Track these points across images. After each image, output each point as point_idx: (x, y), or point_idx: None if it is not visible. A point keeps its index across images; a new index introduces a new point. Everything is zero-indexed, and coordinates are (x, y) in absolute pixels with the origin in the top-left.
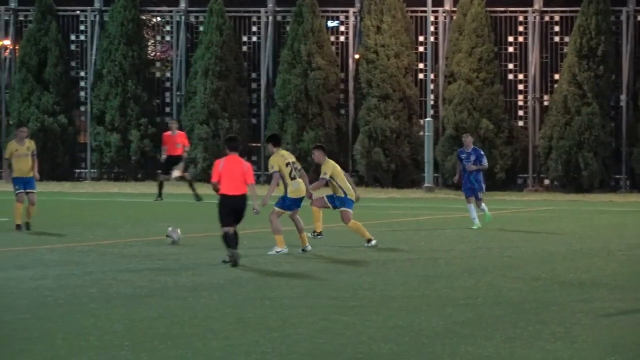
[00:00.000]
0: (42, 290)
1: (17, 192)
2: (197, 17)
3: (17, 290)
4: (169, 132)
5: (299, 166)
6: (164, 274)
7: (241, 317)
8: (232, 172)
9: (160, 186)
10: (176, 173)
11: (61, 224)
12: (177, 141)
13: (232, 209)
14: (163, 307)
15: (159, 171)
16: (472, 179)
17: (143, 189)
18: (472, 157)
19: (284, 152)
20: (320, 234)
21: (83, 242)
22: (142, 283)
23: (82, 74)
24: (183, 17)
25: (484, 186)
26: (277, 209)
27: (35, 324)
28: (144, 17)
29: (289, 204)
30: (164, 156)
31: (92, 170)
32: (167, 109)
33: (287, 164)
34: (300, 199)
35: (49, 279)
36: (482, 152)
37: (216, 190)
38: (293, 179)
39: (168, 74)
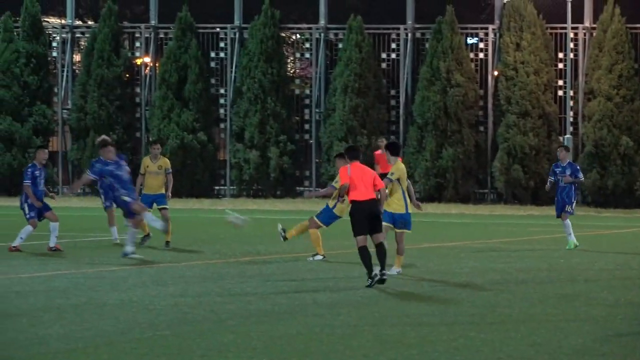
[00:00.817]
0: (181, 306)
1: None
2: (336, 34)
3: (157, 307)
4: (379, 151)
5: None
6: (303, 291)
7: (379, 335)
8: (361, 177)
9: None
10: None
11: (200, 240)
12: None
13: (367, 215)
14: (302, 324)
15: None
16: (564, 195)
17: (282, 206)
18: (568, 172)
19: (402, 164)
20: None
21: (222, 259)
22: (281, 300)
23: (222, 91)
24: (322, 34)
25: (574, 203)
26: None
27: (174, 341)
28: (283, 35)
29: None
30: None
31: (231, 187)
32: (306, 126)
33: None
34: None
35: (188, 296)
36: (578, 167)
37: (342, 194)
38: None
39: (307, 91)
